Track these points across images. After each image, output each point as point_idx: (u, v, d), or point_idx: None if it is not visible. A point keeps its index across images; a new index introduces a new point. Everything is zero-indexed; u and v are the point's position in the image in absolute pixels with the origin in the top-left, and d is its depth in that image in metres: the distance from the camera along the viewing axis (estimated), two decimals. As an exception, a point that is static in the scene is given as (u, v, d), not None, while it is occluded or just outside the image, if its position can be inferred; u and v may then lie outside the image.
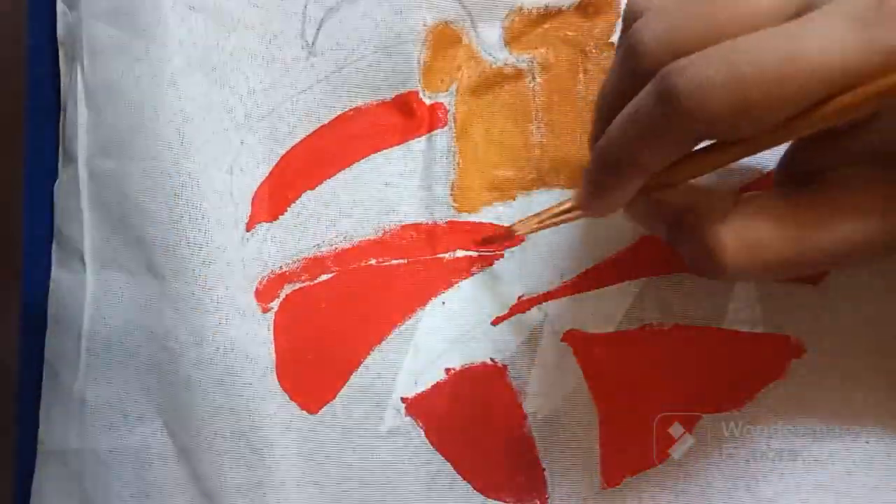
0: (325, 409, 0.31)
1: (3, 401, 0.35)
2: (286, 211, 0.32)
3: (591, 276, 0.30)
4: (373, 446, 0.31)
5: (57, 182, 0.34)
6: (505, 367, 0.30)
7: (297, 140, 0.32)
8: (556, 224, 0.25)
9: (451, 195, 0.31)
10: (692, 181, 0.23)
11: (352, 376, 0.31)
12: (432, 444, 0.30)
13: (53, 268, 0.34)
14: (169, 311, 0.31)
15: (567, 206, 0.24)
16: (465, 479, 0.30)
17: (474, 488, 0.30)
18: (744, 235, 0.21)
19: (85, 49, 0.33)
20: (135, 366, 0.32)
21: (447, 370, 0.31)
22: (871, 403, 0.28)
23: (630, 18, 0.22)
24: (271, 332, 0.32)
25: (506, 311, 0.30)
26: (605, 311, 0.30)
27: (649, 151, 0.20)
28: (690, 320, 0.29)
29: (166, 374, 0.31)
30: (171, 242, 0.31)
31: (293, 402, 0.31)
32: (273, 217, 0.32)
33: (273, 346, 0.32)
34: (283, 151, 0.33)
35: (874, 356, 0.28)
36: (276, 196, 0.32)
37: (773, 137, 0.20)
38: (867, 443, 0.28)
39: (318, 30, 0.33)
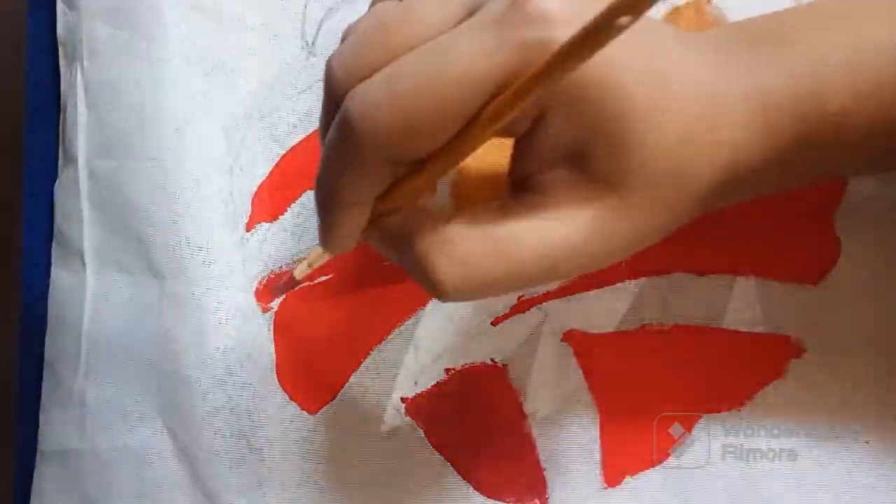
0: (324, 409, 0.31)
1: (3, 401, 0.35)
2: (286, 211, 0.32)
3: (591, 276, 0.30)
4: (373, 446, 0.31)
5: (57, 182, 0.34)
6: (505, 367, 0.30)
7: (297, 140, 0.32)
8: (322, 263, 0.25)
9: (452, 194, 0.31)
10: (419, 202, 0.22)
11: (352, 376, 0.31)
12: (432, 444, 0.30)
13: (53, 268, 0.34)
14: (169, 312, 0.31)
15: (319, 250, 0.24)
16: (465, 479, 0.30)
17: (474, 488, 0.30)
18: (451, 251, 0.20)
19: (85, 49, 0.33)
20: (135, 366, 0.32)
21: (447, 370, 0.31)
22: (871, 403, 0.28)
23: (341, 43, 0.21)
24: (271, 332, 0.32)
25: (506, 311, 0.30)
26: (605, 311, 0.30)
27: (349, 184, 0.20)
28: (690, 320, 0.29)
29: (166, 374, 0.31)
30: (171, 243, 0.31)
31: (293, 402, 0.31)
32: (273, 217, 0.32)
33: (273, 346, 0.32)
34: (283, 151, 0.33)
35: (874, 356, 0.28)
36: (276, 196, 0.32)
37: (459, 148, 0.19)
38: (867, 443, 0.28)
39: (318, 29, 0.33)
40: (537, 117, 0.20)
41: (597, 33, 0.16)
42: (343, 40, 0.21)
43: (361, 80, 0.19)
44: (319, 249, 0.24)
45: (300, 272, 0.26)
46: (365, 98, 0.18)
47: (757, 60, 0.21)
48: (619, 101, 0.19)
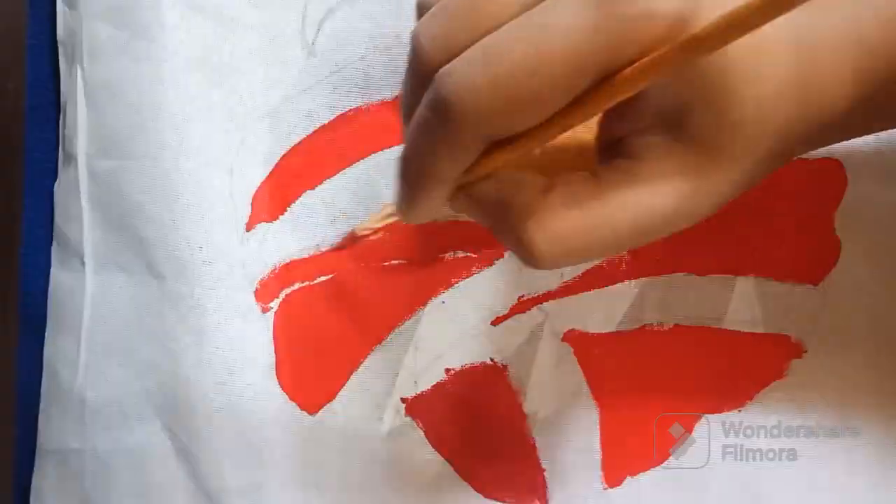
0: (324, 409, 0.31)
1: (3, 400, 0.35)
2: (286, 211, 0.32)
3: (591, 276, 0.30)
4: (373, 446, 0.31)
5: (57, 182, 0.34)
6: (505, 367, 0.30)
7: (297, 140, 0.32)
8: (388, 225, 0.27)
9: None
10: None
11: (352, 376, 0.31)
12: (432, 444, 0.30)
13: (53, 268, 0.34)
14: (169, 312, 0.31)
15: (389, 211, 0.26)
16: (465, 479, 0.30)
17: (474, 488, 0.30)
18: (549, 227, 0.20)
19: (85, 49, 0.33)
20: (134, 366, 0.32)
21: (447, 370, 0.31)
22: (871, 403, 0.28)
23: (418, 15, 0.20)
24: (271, 332, 0.32)
25: (506, 311, 0.30)
26: (605, 311, 0.30)
27: (441, 161, 0.19)
28: (690, 320, 0.29)
29: (166, 374, 0.31)
30: (170, 243, 0.31)
31: (293, 403, 0.31)
32: (273, 217, 0.32)
33: (273, 346, 0.32)
34: (283, 151, 0.32)
35: (874, 356, 0.28)
36: (275, 196, 0.32)
37: (563, 123, 0.19)
38: (867, 443, 0.28)
39: (319, 29, 0.33)
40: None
41: (755, 15, 0.14)
42: (419, 10, 0.20)
43: (452, 54, 0.18)
44: (387, 211, 0.26)
45: (362, 231, 0.29)
46: (462, 78, 0.18)
47: (852, 2, 0.20)
48: (721, 54, 0.18)
